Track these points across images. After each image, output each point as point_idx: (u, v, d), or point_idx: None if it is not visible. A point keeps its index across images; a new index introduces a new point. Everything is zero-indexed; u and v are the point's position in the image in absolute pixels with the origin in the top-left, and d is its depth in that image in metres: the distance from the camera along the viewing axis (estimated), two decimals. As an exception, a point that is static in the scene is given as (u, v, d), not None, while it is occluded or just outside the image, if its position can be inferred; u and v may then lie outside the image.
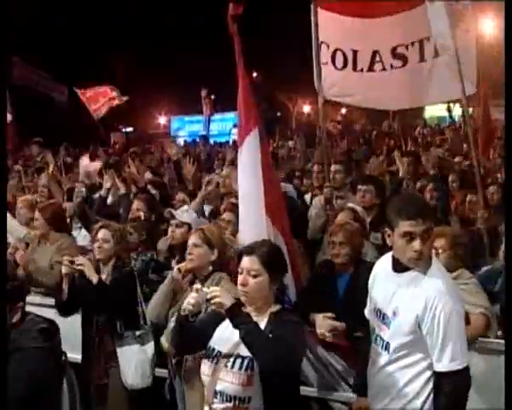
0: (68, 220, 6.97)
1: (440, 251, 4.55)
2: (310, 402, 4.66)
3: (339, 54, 6.72)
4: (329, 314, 4.42)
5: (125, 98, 13.66)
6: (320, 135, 7.46)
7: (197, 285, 3.50)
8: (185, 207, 5.70)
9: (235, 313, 3.24)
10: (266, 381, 3.24)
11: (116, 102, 13.37)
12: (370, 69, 6.64)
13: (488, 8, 32.49)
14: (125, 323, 4.68)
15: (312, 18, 6.74)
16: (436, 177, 8.46)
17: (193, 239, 4.46)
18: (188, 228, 5.11)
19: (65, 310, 4.76)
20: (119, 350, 4.66)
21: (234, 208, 5.49)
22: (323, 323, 4.42)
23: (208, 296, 3.29)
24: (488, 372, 4.20)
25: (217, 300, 3.25)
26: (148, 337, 4.76)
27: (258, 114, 4.80)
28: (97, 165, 10.67)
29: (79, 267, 4.60)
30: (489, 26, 35.23)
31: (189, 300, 3.34)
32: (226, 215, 5.66)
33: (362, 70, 6.65)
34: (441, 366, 3.28)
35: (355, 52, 6.64)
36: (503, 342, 3.94)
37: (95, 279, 4.58)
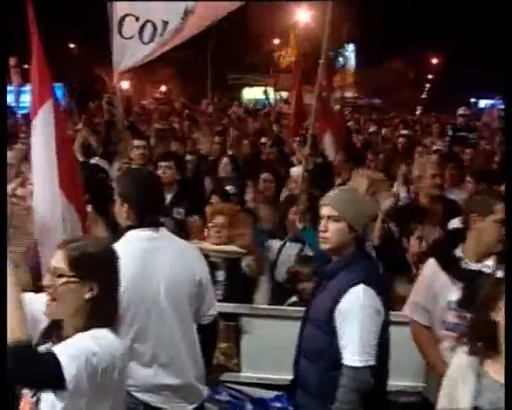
0: None
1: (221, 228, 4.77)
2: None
3: (148, 26, 6.24)
4: None
5: None
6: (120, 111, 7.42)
7: None
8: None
9: None
10: None
11: None
12: None
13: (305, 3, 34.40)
14: None
15: None
16: (233, 157, 8.68)
17: None
18: None
19: None
20: None
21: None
22: None
23: None
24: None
25: None
26: None
27: (52, 85, 4.62)
28: None
29: None
30: (304, 17, 37.34)
31: None
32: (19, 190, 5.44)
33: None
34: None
35: (165, 23, 6.20)
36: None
37: None
